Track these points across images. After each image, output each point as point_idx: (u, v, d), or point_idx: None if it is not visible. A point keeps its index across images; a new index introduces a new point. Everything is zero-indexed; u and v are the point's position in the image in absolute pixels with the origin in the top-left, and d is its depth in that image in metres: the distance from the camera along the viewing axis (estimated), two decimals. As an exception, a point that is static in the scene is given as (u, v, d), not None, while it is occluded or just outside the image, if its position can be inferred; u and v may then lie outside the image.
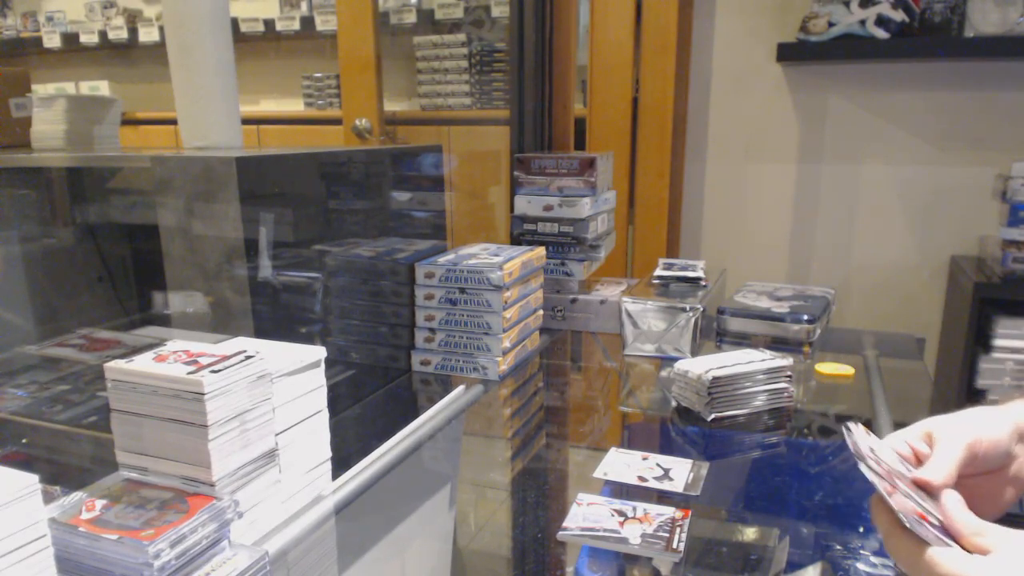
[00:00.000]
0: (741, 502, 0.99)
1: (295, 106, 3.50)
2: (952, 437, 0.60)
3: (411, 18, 3.10)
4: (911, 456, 0.62)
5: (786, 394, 1.12)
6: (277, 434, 0.71)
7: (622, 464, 0.95)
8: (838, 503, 0.97)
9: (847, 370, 1.30)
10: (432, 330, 1.25)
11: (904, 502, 0.54)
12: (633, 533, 0.79)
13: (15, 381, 1.08)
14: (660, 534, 0.79)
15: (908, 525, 0.52)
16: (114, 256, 1.30)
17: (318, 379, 0.77)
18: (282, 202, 0.99)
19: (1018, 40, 2.11)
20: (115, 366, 0.65)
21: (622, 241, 2.56)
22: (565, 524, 0.81)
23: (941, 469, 0.58)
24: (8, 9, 3.98)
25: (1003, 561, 0.49)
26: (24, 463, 0.96)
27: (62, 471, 0.96)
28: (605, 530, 0.80)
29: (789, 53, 2.33)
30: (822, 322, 1.39)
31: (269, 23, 3.38)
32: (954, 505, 0.55)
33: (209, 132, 1.26)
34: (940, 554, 0.51)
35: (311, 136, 3.30)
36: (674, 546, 0.76)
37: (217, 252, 0.92)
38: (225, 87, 1.26)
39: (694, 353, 1.33)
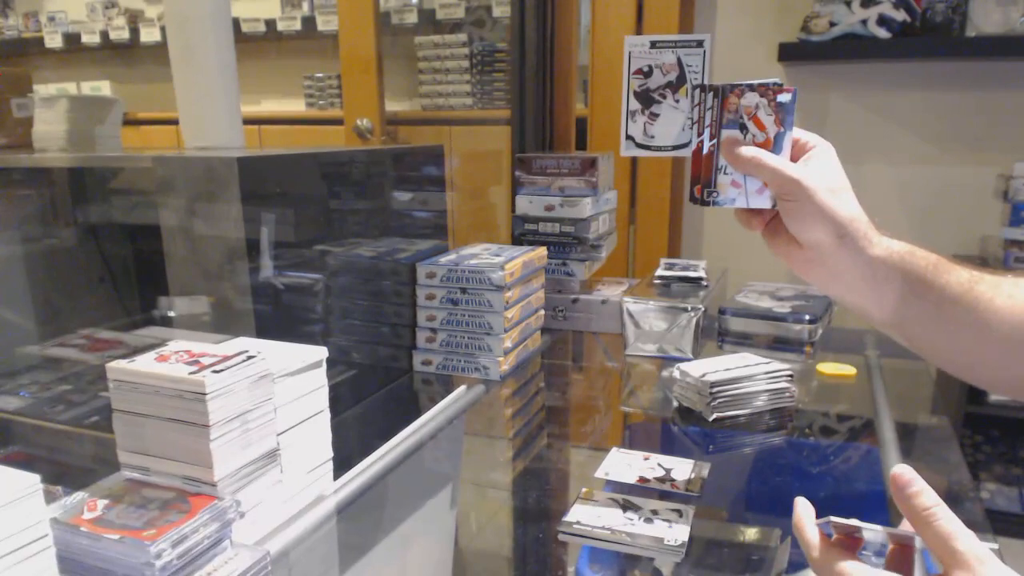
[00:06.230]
0: (742, 502, 0.99)
1: (296, 106, 3.51)
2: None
3: (412, 18, 3.10)
4: None
5: (788, 394, 1.12)
6: (279, 434, 0.72)
7: (623, 464, 0.95)
8: (839, 503, 0.97)
9: (849, 370, 1.30)
10: (433, 330, 1.25)
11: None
12: (635, 531, 0.79)
13: (17, 381, 1.08)
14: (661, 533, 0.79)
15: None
16: (116, 256, 1.30)
17: (320, 379, 0.77)
18: (283, 202, 0.99)
19: (1020, 40, 2.11)
20: (117, 366, 0.65)
21: (623, 241, 2.56)
22: (566, 518, 0.81)
23: None
24: (9, 9, 3.98)
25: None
26: (26, 463, 0.96)
27: (64, 471, 0.96)
28: (607, 526, 0.80)
29: (790, 53, 2.33)
30: (824, 322, 1.39)
31: (270, 23, 3.39)
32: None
33: (210, 132, 1.26)
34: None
35: (312, 136, 3.30)
36: (675, 543, 0.76)
37: (219, 252, 0.92)
38: (226, 87, 1.26)
39: (696, 353, 1.33)
